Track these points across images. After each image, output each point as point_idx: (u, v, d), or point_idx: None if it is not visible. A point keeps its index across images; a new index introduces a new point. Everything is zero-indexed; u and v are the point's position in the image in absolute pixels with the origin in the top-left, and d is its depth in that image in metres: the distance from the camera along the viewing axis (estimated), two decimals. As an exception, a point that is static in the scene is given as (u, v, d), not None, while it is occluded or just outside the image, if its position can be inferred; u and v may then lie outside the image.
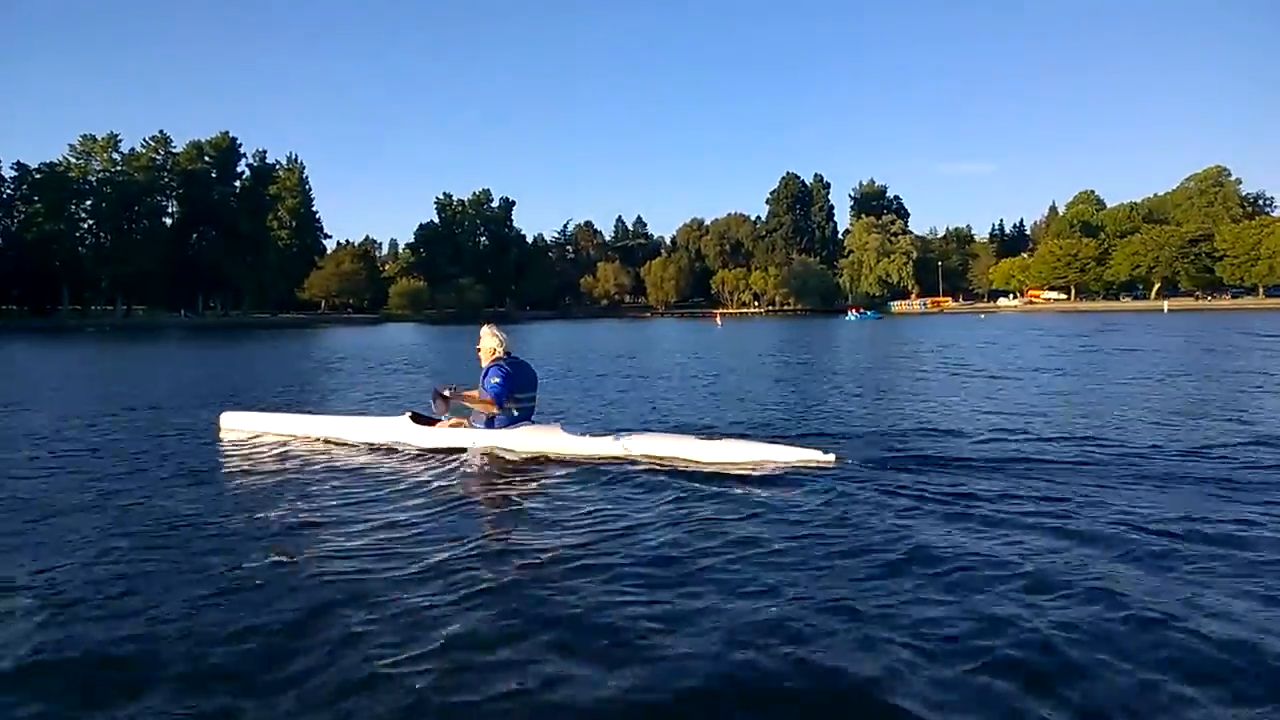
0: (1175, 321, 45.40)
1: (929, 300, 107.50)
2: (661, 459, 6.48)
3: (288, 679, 2.88)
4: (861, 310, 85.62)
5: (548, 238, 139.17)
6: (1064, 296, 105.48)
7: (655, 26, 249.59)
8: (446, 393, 6.92)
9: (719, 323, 68.33)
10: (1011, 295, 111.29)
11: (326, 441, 7.70)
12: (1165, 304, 79.84)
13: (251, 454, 7.36)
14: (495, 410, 6.97)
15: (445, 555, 4.20)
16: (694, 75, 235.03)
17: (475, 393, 7.10)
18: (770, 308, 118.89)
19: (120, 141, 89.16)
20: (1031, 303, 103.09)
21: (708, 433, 7.33)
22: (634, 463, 6.41)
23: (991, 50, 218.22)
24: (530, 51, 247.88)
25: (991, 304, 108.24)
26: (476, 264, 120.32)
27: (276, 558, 4.20)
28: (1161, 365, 16.40)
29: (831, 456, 6.31)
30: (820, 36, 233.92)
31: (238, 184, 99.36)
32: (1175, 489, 5.51)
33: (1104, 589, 3.56)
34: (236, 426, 8.50)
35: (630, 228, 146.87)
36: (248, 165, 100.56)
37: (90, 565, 4.12)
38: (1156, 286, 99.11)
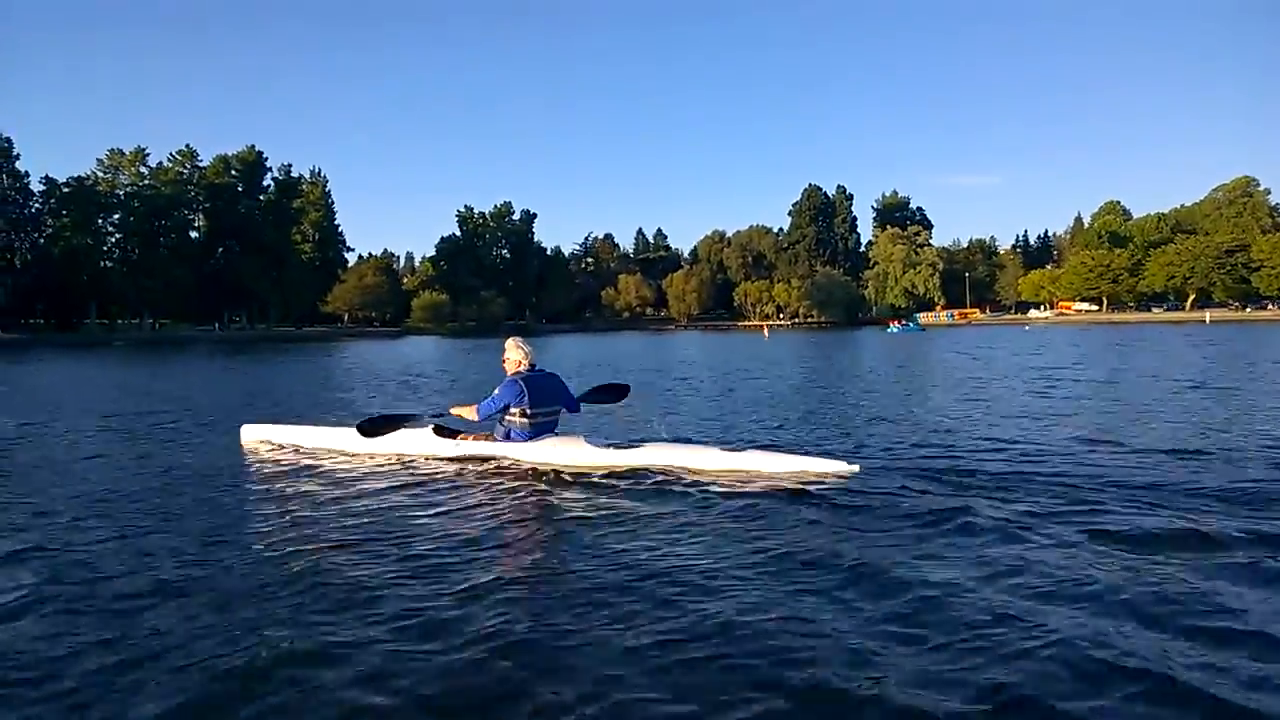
0: (1233, 332, 44.32)
1: (956, 312, 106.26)
2: (685, 470, 6.43)
3: (303, 690, 2.87)
4: (904, 322, 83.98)
5: (567, 251, 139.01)
6: (1095, 308, 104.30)
7: (675, 39, 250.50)
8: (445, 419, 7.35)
9: (766, 334, 66.54)
10: (1042, 307, 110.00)
11: (348, 454, 7.62)
12: (1207, 315, 78.68)
13: (271, 466, 7.27)
14: (475, 417, 7.08)
15: (466, 568, 4.19)
16: (712, 89, 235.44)
17: (465, 409, 7.18)
18: (794, 320, 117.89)
19: (148, 155, 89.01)
20: (1062, 314, 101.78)
21: (731, 444, 7.25)
22: (658, 474, 6.35)
23: (1006, 62, 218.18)
24: (550, 65, 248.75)
25: (1021, 315, 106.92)
26: (497, 276, 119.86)
27: (293, 569, 4.19)
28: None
29: (856, 467, 6.29)
30: (839, 47, 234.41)
31: (262, 198, 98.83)
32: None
33: (1146, 609, 3.46)
34: (258, 438, 8.45)
35: (651, 240, 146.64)
36: (273, 179, 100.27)
37: (103, 572, 4.18)
38: (1191, 298, 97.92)
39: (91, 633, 3.40)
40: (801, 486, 5.82)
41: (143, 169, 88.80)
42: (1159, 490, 5.63)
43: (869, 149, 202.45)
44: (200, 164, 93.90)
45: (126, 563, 4.37)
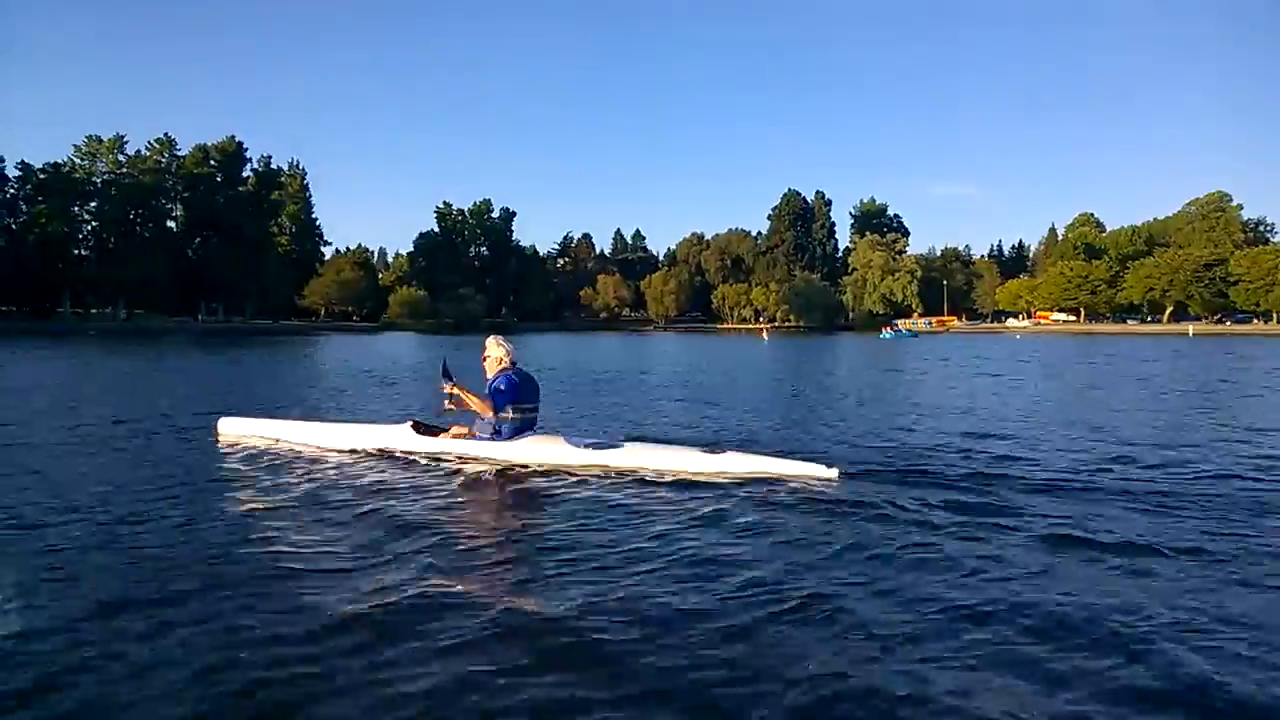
0: (1241, 345, 44.95)
1: (934, 320, 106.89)
2: (665, 471, 6.46)
3: (273, 692, 2.82)
4: (896, 328, 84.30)
5: (545, 250, 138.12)
6: (1073, 318, 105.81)
7: (657, 43, 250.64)
8: (451, 390, 6.95)
9: (765, 337, 65.00)
10: (1019, 316, 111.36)
11: (326, 449, 7.54)
12: (1190, 328, 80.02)
13: (248, 461, 7.16)
14: (491, 414, 6.95)
15: (443, 566, 4.16)
16: (693, 92, 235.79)
17: (476, 398, 7.04)
18: (772, 324, 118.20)
19: (126, 143, 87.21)
20: (1039, 324, 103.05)
21: (711, 445, 7.26)
22: (637, 474, 6.38)
23: (984, 72, 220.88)
24: (531, 64, 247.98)
25: (999, 324, 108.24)
26: (476, 274, 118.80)
27: (268, 568, 4.12)
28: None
29: (835, 471, 6.30)
30: (820, 54, 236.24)
31: (241, 189, 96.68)
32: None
33: (1111, 605, 3.59)
34: (234, 432, 8.32)
35: (629, 241, 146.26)
36: (252, 170, 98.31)
37: (75, 574, 4.02)
38: (1169, 310, 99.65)
39: (54, 627, 3.36)
40: (779, 489, 5.90)
41: (121, 157, 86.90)
42: (1157, 497, 5.77)
43: (848, 155, 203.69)
44: (179, 153, 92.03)
45: (96, 558, 4.29)
